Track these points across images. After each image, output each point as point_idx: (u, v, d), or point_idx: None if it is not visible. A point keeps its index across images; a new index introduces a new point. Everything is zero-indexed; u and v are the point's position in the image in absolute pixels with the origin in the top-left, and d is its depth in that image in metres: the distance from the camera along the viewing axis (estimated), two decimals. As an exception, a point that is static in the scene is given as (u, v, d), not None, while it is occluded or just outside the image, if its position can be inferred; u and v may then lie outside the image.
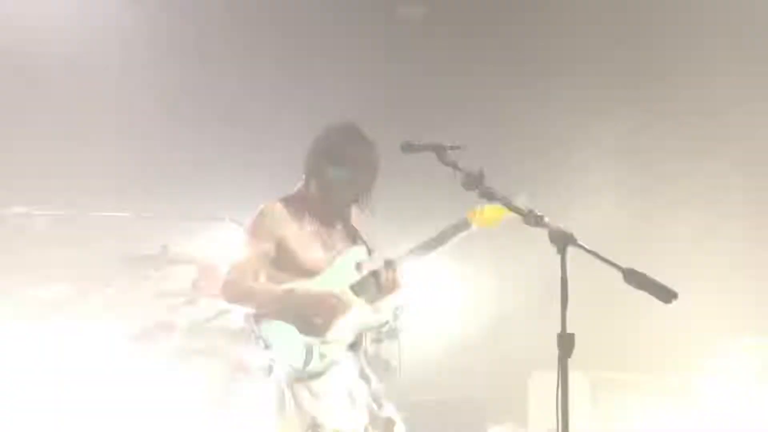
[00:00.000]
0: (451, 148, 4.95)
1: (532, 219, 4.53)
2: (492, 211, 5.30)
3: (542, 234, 4.47)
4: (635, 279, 4.37)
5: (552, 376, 4.34)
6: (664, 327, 8.10)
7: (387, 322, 5.37)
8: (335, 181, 5.21)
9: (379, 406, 5.22)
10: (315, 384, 5.02)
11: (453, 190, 4.70)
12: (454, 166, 4.91)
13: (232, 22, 9.51)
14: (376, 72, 9.66)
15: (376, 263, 5.26)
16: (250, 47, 9.50)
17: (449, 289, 9.57)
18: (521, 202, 4.63)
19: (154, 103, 9.09)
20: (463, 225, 5.33)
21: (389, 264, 5.20)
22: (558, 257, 4.39)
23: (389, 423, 5.20)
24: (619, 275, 4.36)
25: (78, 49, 8.85)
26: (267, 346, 5.02)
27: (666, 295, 4.36)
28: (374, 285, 5.20)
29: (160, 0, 9.21)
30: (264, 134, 9.19)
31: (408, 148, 5.03)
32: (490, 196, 4.85)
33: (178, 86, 9.14)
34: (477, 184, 4.88)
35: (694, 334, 8.49)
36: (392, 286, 5.23)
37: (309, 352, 5.02)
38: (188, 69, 9.24)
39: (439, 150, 4.94)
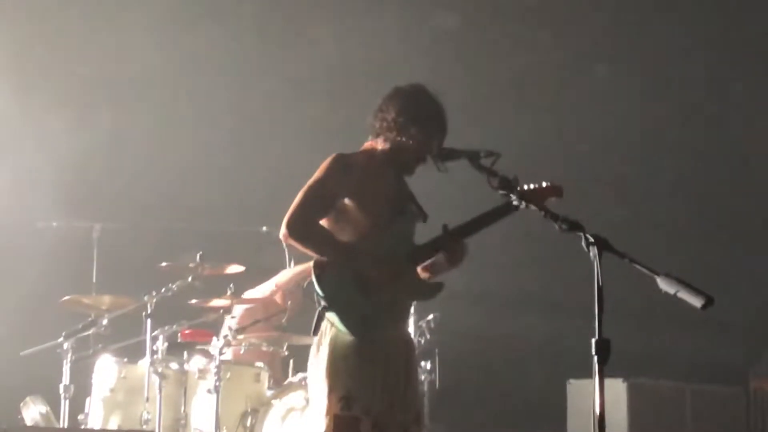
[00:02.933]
0: (488, 154, 4.95)
1: (569, 224, 4.50)
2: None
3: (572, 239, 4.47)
4: (671, 284, 4.34)
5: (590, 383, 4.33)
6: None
7: (440, 289, 5.20)
8: (415, 141, 5.08)
9: (413, 400, 5.10)
10: (358, 355, 4.85)
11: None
12: (490, 173, 4.91)
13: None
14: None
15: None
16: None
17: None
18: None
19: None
20: (508, 207, 5.05)
21: (453, 233, 5.03)
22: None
23: (419, 418, 5.12)
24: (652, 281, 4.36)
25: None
26: (324, 304, 4.86)
27: (703, 299, 4.32)
28: (435, 253, 5.06)
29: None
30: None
31: (446, 154, 5.03)
32: (527, 199, 4.85)
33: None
34: (513, 189, 4.89)
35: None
36: (457, 257, 5.09)
37: (362, 317, 4.86)
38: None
39: (473, 157, 4.93)
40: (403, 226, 5.11)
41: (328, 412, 4.80)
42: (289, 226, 4.87)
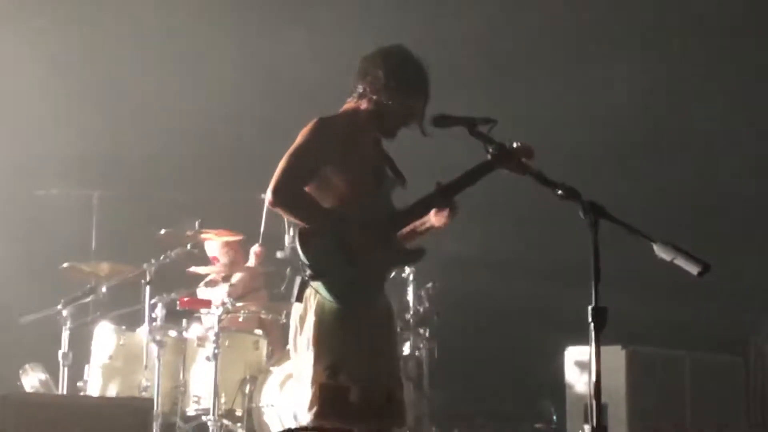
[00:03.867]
0: (484, 121, 4.90)
1: (566, 190, 4.48)
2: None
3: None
4: (668, 250, 4.32)
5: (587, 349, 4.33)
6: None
7: (422, 255, 5.14)
8: (401, 104, 5.01)
9: (396, 365, 5.14)
10: (344, 323, 4.81)
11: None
12: (487, 140, 4.88)
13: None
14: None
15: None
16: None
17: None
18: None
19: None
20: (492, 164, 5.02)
21: (446, 189, 4.94)
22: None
23: (401, 382, 5.11)
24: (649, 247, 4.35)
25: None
26: (309, 272, 4.80)
27: (700, 266, 4.31)
28: (420, 215, 5.01)
29: None
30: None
31: (441, 121, 4.97)
32: (522, 170, 4.83)
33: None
34: (504, 159, 4.87)
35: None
36: (450, 213, 5.00)
37: (346, 285, 4.82)
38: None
39: (470, 123, 4.89)
40: (383, 191, 5.05)
41: (314, 382, 4.78)
42: (275, 193, 4.80)
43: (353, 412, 4.73)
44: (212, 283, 8.69)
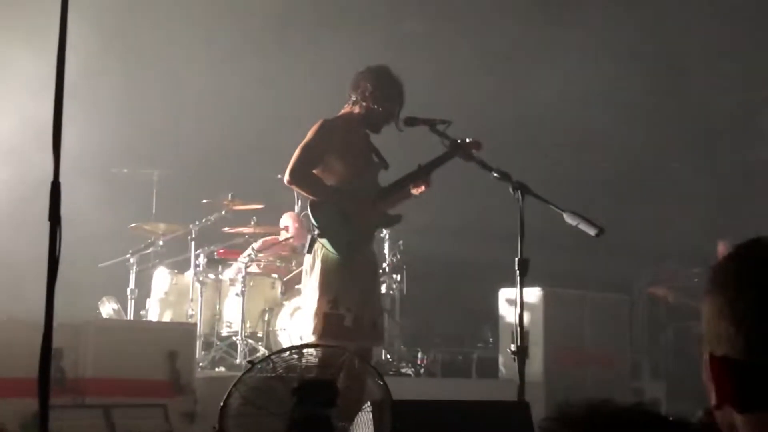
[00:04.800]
0: (441, 122, 4.96)
1: (501, 174, 4.56)
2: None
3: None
4: (573, 218, 4.36)
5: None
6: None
7: (399, 220, 5.22)
8: (384, 108, 5.09)
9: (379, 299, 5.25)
10: (343, 269, 4.88)
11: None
12: (443, 136, 4.92)
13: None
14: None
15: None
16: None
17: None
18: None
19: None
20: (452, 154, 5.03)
21: (425, 169, 5.01)
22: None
23: (382, 313, 5.16)
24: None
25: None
26: (318, 232, 4.88)
27: (597, 230, 4.35)
28: (403, 188, 5.04)
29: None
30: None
31: (410, 121, 5.02)
32: (469, 158, 4.87)
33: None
34: (459, 149, 4.90)
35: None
36: (427, 185, 5.05)
37: (345, 241, 4.89)
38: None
39: (431, 123, 4.94)
40: (372, 173, 5.14)
41: (318, 312, 4.83)
42: (291, 174, 4.93)
43: (347, 334, 4.80)
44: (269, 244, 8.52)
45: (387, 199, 5.10)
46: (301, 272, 5.39)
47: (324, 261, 4.88)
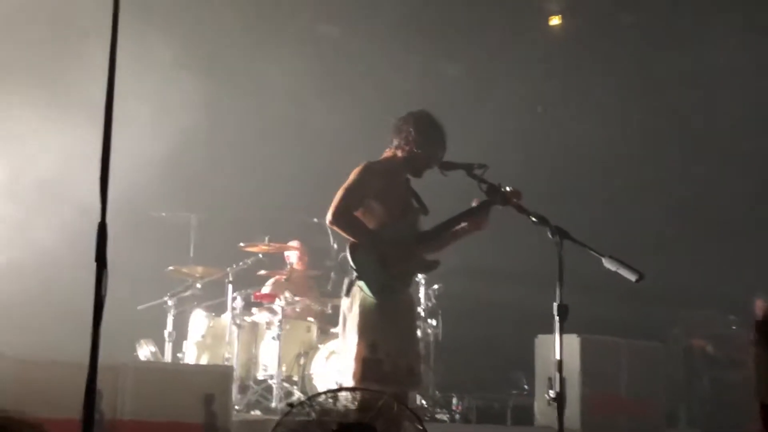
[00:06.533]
0: (479, 166, 4.93)
1: (539, 218, 4.52)
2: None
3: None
4: (613, 263, 4.32)
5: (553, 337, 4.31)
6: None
7: (437, 265, 5.15)
8: (426, 153, 5.05)
9: (417, 345, 5.18)
10: (382, 313, 4.83)
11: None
12: (481, 180, 4.90)
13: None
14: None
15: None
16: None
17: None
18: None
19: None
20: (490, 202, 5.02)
21: (481, 207, 4.98)
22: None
23: (419, 358, 5.11)
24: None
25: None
26: (356, 275, 4.84)
27: (637, 275, 4.30)
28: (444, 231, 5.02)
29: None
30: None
31: (448, 166, 5.00)
32: (505, 202, 4.84)
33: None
34: (497, 194, 4.88)
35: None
36: (485, 223, 5.04)
37: (383, 285, 4.84)
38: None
39: (468, 168, 4.92)
40: (411, 218, 5.09)
41: (357, 357, 4.78)
42: (333, 216, 4.88)
43: (386, 379, 4.74)
44: (276, 281, 8.66)
45: (429, 242, 5.07)
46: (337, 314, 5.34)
47: (362, 304, 4.84)
